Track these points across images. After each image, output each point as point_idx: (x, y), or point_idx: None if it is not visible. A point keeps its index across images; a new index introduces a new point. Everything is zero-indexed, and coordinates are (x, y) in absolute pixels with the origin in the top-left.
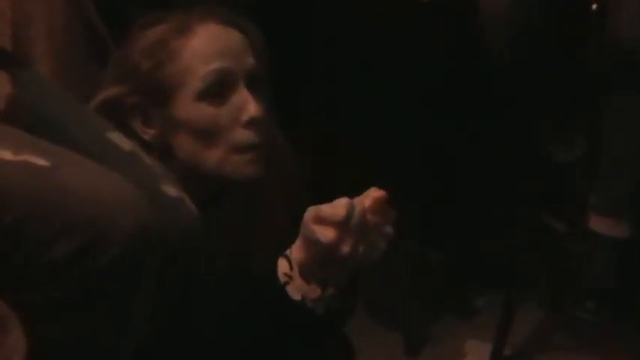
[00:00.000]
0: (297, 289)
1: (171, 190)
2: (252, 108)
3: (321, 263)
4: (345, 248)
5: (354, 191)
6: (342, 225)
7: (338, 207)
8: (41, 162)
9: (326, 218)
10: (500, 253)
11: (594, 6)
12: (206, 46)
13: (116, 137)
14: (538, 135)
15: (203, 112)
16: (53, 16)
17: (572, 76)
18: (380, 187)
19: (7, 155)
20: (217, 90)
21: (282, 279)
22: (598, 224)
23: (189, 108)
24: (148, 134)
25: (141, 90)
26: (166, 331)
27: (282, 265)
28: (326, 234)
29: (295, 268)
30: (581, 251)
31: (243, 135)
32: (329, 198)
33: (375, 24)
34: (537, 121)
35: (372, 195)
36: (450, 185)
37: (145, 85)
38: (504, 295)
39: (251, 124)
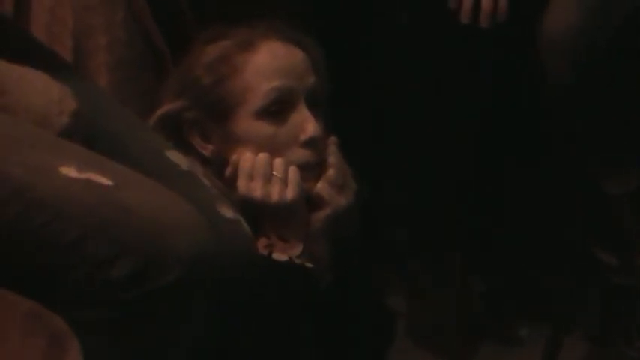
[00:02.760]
0: (280, 252)
1: (228, 212)
2: (311, 127)
3: (274, 217)
4: (275, 196)
5: (399, 217)
6: (262, 176)
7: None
8: (104, 181)
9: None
10: (548, 284)
11: None
12: (268, 63)
13: (174, 156)
14: (590, 166)
15: (262, 129)
16: (114, 29)
17: (628, 106)
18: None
19: (72, 172)
20: (277, 108)
21: (264, 251)
22: None
23: (248, 125)
24: (207, 150)
25: (201, 105)
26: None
27: (261, 241)
28: (253, 187)
29: (272, 235)
30: (631, 287)
31: (301, 154)
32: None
33: (429, 54)
34: (590, 152)
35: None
36: (496, 213)
37: (205, 101)
38: (551, 326)
39: (309, 143)
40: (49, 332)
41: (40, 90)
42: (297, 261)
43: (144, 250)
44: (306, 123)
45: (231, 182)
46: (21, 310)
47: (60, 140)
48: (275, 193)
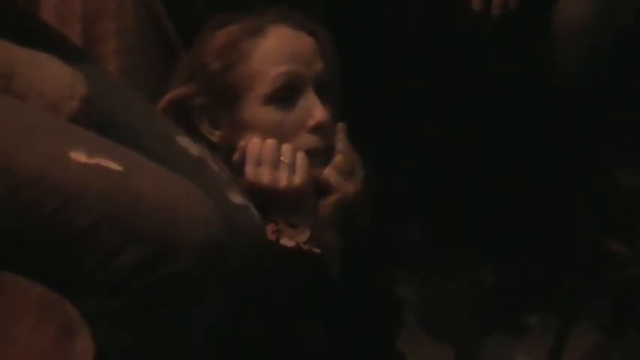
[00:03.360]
0: (288, 238)
1: (237, 198)
2: (318, 113)
3: (282, 202)
4: (283, 182)
5: (411, 209)
6: (270, 161)
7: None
8: (114, 166)
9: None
10: (559, 274)
11: None
12: (276, 49)
13: (185, 142)
14: (603, 157)
15: (270, 115)
16: (123, 15)
17: None
18: (437, 206)
19: (82, 157)
20: (285, 94)
21: (272, 237)
22: None
23: (256, 111)
24: (215, 136)
25: (209, 91)
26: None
27: (269, 227)
28: (261, 173)
29: (280, 221)
30: None
31: (309, 140)
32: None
33: (442, 42)
34: (603, 144)
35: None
36: (508, 204)
37: (213, 86)
38: (561, 316)
39: (317, 129)
40: (60, 319)
41: (52, 75)
42: (305, 247)
43: (155, 237)
44: (313, 109)
45: (238, 168)
46: (32, 297)
47: (70, 125)
48: (283, 179)
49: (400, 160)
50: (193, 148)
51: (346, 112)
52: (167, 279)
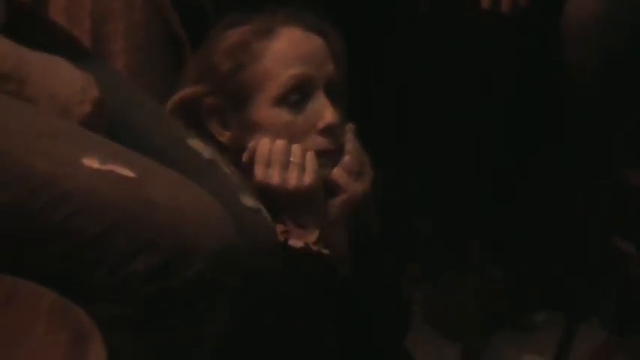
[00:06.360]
0: (297, 238)
1: (250, 201)
2: (329, 115)
3: (291, 203)
4: (292, 182)
5: (420, 206)
6: (280, 162)
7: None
8: (127, 172)
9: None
10: (566, 272)
11: None
12: (288, 51)
13: (196, 144)
14: (612, 157)
15: (280, 117)
16: (132, 13)
17: None
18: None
19: (95, 164)
20: (296, 96)
21: (281, 237)
22: None
23: (266, 112)
24: (224, 136)
25: (219, 91)
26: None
27: (278, 228)
28: (271, 174)
29: (288, 222)
30: None
31: (319, 141)
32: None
33: (451, 41)
34: (612, 142)
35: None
36: (516, 201)
37: (223, 87)
38: (567, 313)
39: (327, 130)
40: (73, 326)
41: (63, 79)
42: (314, 248)
43: (167, 243)
44: (324, 110)
45: (247, 168)
46: (44, 303)
47: (82, 130)
48: (292, 179)
49: (410, 157)
50: (205, 151)
51: (354, 108)
52: (180, 285)
